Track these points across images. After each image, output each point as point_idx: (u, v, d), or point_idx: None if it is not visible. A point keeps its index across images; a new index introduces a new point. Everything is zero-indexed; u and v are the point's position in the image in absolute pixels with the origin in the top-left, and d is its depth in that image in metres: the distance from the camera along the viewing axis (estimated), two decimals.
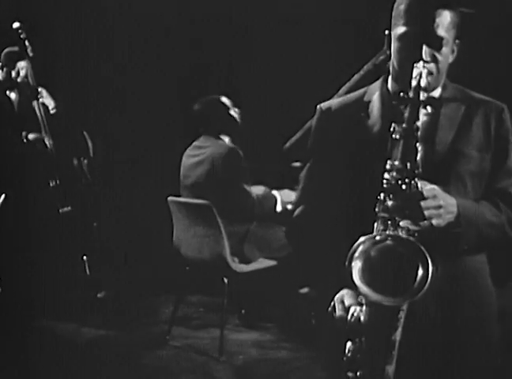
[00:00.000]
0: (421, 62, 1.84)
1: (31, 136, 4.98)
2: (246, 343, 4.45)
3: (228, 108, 4.51)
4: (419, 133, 1.80)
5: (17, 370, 3.93)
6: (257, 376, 4.04)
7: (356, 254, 1.70)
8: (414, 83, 1.82)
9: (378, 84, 2.06)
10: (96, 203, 5.27)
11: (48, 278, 4.78)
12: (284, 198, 4.55)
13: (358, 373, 1.77)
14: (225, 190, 4.31)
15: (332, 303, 1.86)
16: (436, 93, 1.98)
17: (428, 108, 1.85)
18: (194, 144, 4.57)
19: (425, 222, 1.77)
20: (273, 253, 4.39)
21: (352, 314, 1.78)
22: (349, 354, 1.78)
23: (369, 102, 2.03)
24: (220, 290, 4.28)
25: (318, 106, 2.11)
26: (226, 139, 4.52)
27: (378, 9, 2.39)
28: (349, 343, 1.79)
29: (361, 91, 2.10)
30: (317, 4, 5.43)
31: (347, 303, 1.81)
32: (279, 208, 4.53)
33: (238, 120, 4.54)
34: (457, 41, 1.95)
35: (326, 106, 2.09)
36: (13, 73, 5.03)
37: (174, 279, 4.66)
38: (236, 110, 4.54)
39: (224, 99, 4.53)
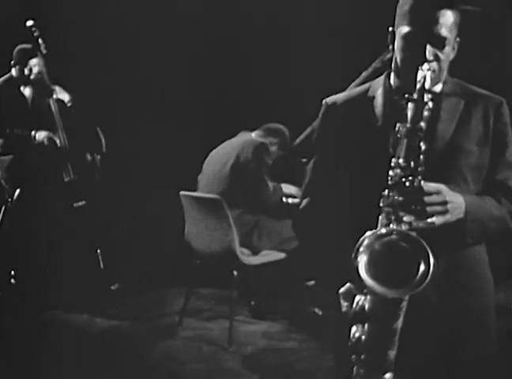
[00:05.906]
0: (426, 65, 1.88)
1: (41, 134, 5.07)
2: (255, 333, 4.50)
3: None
4: (422, 133, 1.84)
5: (32, 360, 4.01)
6: (265, 365, 4.08)
7: (361, 248, 1.76)
8: (418, 85, 1.86)
9: (381, 79, 2.11)
10: (109, 197, 5.35)
11: (63, 271, 4.87)
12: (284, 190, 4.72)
13: (361, 357, 1.83)
14: (249, 180, 4.51)
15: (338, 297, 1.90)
16: (437, 88, 2.02)
17: (430, 103, 1.89)
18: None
19: (428, 220, 1.81)
20: (282, 244, 4.46)
21: (357, 303, 1.83)
22: (353, 339, 1.83)
23: (373, 97, 2.07)
24: (229, 283, 4.35)
25: (323, 101, 2.15)
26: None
27: (384, 5, 2.45)
28: (354, 328, 1.84)
29: (365, 86, 2.14)
30: (325, 2, 5.48)
31: (351, 297, 1.85)
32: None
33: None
34: (457, 39, 1.99)
35: (332, 101, 2.13)
36: (26, 71, 5.11)
37: (185, 272, 4.72)
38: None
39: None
